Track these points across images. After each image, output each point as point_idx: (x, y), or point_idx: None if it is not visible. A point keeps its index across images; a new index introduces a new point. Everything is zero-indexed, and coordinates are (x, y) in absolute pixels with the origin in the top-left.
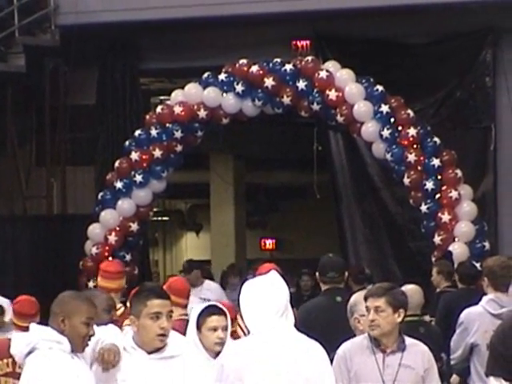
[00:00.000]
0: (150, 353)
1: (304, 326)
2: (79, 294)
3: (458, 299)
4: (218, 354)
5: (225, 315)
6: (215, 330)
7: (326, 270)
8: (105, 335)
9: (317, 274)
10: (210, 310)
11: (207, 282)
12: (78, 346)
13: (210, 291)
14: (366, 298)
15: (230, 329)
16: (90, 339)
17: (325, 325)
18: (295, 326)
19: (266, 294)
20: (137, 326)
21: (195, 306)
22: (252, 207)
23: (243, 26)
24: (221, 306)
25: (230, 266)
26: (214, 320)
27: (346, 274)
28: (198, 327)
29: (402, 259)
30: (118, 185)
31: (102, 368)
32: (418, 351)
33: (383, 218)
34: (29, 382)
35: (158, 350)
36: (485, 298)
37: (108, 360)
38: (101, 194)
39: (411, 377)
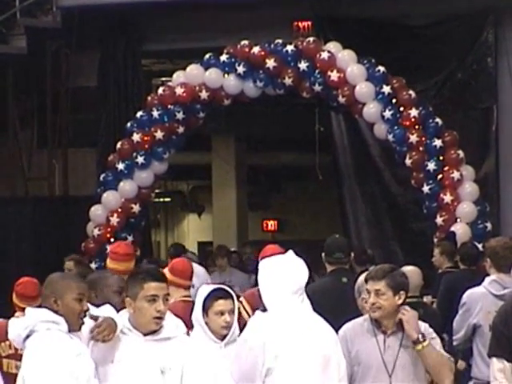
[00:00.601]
0: (145, 334)
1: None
2: (67, 273)
3: (459, 280)
4: (224, 336)
5: (231, 298)
6: (222, 313)
7: (332, 251)
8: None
9: (323, 254)
10: (217, 294)
11: (193, 266)
12: (75, 323)
13: (196, 276)
14: (366, 281)
15: (236, 311)
16: (84, 315)
17: (330, 306)
18: None
19: (288, 272)
20: (133, 309)
21: (201, 289)
22: (254, 189)
23: (245, 7)
24: (227, 288)
25: (218, 248)
26: (220, 304)
27: (352, 255)
28: (205, 310)
29: (403, 240)
30: (120, 166)
31: (97, 340)
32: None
33: (385, 198)
34: (31, 364)
35: (153, 331)
36: (487, 279)
37: (102, 331)
38: (102, 175)
39: (412, 356)
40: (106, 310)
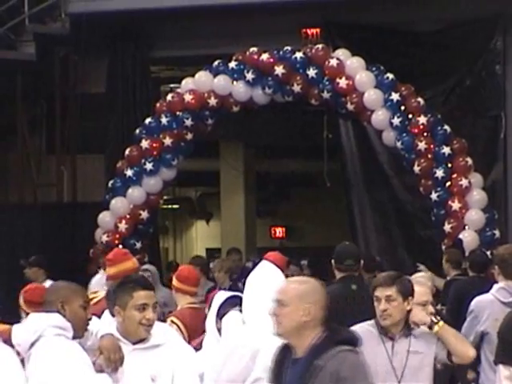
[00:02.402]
0: (134, 343)
1: None
2: (69, 282)
3: (468, 287)
4: None
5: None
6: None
7: (342, 258)
8: (99, 325)
9: (332, 261)
10: (232, 302)
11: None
12: (80, 330)
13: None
14: (374, 288)
15: None
16: (88, 323)
17: (340, 313)
18: None
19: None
20: (122, 317)
21: (217, 296)
22: (262, 195)
23: (253, 14)
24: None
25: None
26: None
27: (362, 262)
28: (219, 317)
29: (412, 247)
30: (129, 173)
31: (110, 369)
32: (423, 335)
33: (393, 206)
34: (42, 369)
35: (142, 340)
36: (495, 286)
37: (115, 359)
38: (111, 182)
39: (421, 362)
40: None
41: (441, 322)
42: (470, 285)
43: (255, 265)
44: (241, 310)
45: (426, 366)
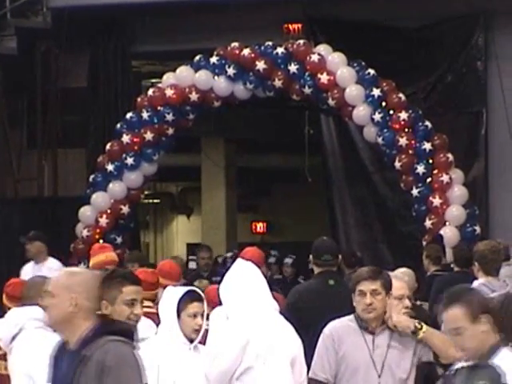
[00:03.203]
0: None
1: (295, 308)
2: (45, 277)
3: (452, 282)
4: (193, 340)
5: (203, 301)
6: (195, 316)
7: (320, 253)
8: None
9: (310, 256)
10: (191, 296)
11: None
12: None
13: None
14: (358, 282)
15: (205, 314)
16: None
17: (317, 308)
18: (286, 308)
19: (254, 279)
20: (109, 312)
21: (173, 290)
22: (243, 191)
23: (235, 9)
24: (199, 291)
25: None
26: (194, 306)
27: (340, 257)
28: (178, 312)
29: (392, 243)
30: (110, 167)
31: None
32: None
33: (374, 201)
34: (24, 361)
35: None
36: (475, 283)
37: None
38: (92, 176)
39: (400, 355)
40: None
41: (424, 327)
42: (454, 280)
43: (234, 255)
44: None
45: (406, 360)
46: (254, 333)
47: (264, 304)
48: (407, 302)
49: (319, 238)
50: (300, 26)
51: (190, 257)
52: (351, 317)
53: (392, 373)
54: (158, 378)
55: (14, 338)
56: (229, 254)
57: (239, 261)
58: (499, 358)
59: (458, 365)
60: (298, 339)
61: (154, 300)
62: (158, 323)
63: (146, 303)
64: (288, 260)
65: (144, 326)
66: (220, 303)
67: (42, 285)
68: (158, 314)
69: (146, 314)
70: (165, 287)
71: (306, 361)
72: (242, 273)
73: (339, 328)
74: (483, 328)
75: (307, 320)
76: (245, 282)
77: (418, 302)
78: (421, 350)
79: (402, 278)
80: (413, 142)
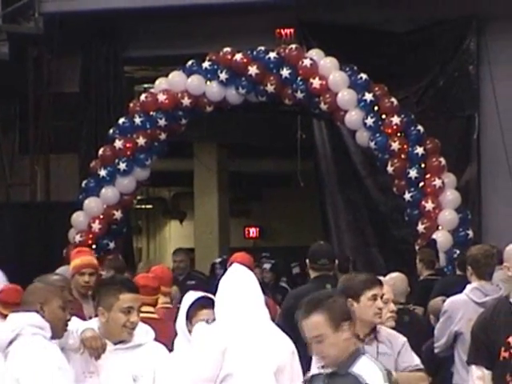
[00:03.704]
0: (115, 343)
1: (291, 313)
2: (48, 283)
3: (453, 285)
4: None
5: (213, 307)
6: (207, 322)
7: (317, 257)
8: (78, 324)
9: (307, 261)
10: (202, 303)
11: None
12: (59, 331)
13: None
14: (369, 287)
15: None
16: (67, 324)
17: None
18: (281, 313)
19: (245, 285)
20: (106, 318)
21: (187, 296)
22: (236, 195)
23: (227, 14)
24: (211, 297)
25: None
26: (204, 313)
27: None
28: (188, 319)
29: (385, 247)
30: (102, 173)
31: (94, 357)
32: (388, 337)
33: (367, 206)
34: (19, 367)
35: (123, 340)
36: (469, 287)
37: (96, 346)
38: (84, 181)
39: (387, 363)
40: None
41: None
42: (456, 283)
43: (223, 261)
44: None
45: (392, 368)
46: (235, 339)
47: (253, 310)
48: (392, 306)
49: (316, 243)
50: (292, 30)
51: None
52: None
53: None
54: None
55: (10, 343)
56: (218, 260)
57: (235, 266)
58: (358, 366)
59: (315, 371)
60: (290, 346)
61: (155, 305)
62: (158, 328)
63: (147, 308)
64: (267, 265)
65: (141, 332)
66: None
67: (42, 290)
68: (158, 320)
69: (147, 320)
70: None
71: (301, 367)
72: (236, 278)
73: None
74: (345, 335)
75: None
76: (237, 288)
77: (412, 307)
78: (402, 357)
79: (387, 282)
80: (405, 146)
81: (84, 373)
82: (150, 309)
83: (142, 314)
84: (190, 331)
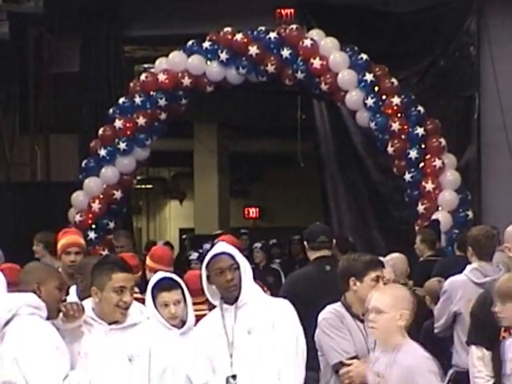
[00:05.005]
0: (110, 323)
1: (291, 295)
2: (44, 263)
3: (452, 266)
4: (175, 325)
5: (178, 288)
6: (166, 305)
7: (316, 235)
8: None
9: (305, 242)
10: (162, 285)
11: None
12: (54, 311)
13: None
14: (373, 268)
15: (188, 300)
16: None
17: (313, 294)
18: (282, 294)
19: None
20: (99, 298)
21: (153, 277)
22: (236, 176)
23: None
24: (174, 277)
25: None
26: (164, 296)
27: (334, 241)
28: (154, 301)
29: (385, 228)
30: (102, 152)
31: (67, 320)
32: None
33: (367, 186)
34: (16, 347)
35: (117, 320)
36: (468, 267)
37: (72, 309)
38: (84, 161)
39: None
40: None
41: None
42: (455, 264)
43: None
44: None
45: None
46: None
47: None
48: None
49: (312, 224)
50: (292, 10)
51: None
52: (339, 304)
53: None
54: (150, 363)
55: (6, 323)
56: (194, 256)
57: (222, 244)
58: None
59: None
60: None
61: (138, 284)
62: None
63: None
64: (257, 244)
65: (135, 311)
66: (202, 291)
67: (39, 270)
68: (142, 300)
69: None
70: (156, 272)
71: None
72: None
73: (337, 313)
74: None
75: (303, 306)
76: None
77: (412, 288)
78: None
79: (387, 262)
80: (405, 126)
81: (79, 353)
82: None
83: None
84: (160, 313)
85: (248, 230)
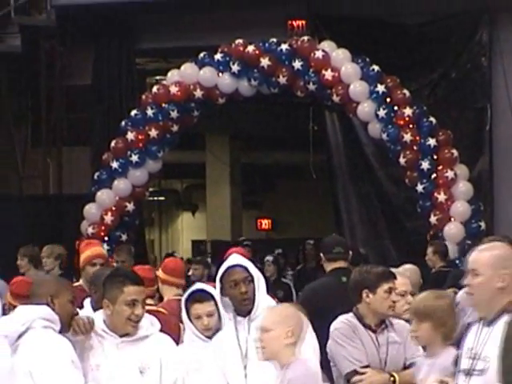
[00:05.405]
0: (121, 336)
1: (309, 305)
2: (56, 276)
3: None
4: (210, 336)
5: (211, 299)
6: (199, 317)
7: (332, 247)
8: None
9: (321, 254)
10: (194, 297)
11: None
12: (66, 324)
13: None
14: (387, 279)
15: (222, 309)
16: (74, 318)
17: (330, 305)
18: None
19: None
20: (111, 311)
21: (189, 289)
22: (248, 187)
23: (239, 5)
24: (207, 289)
25: None
26: (197, 308)
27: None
28: (188, 314)
29: (397, 239)
30: (114, 165)
31: (81, 331)
32: (396, 326)
33: (379, 198)
34: (30, 360)
35: (129, 333)
36: None
37: (83, 323)
38: (97, 173)
39: (398, 351)
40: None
41: (397, 377)
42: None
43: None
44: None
45: (402, 355)
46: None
47: None
48: (410, 298)
49: (329, 236)
50: (304, 22)
51: None
52: (351, 314)
53: (393, 368)
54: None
55: (19, 336)
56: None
57: (236, 256)
58: None
59: None
60: None
61: (154, 296)
62: (160, 321)
63: (176, 291)
64: (269, 258)
65: (147, 323)
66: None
67: (52, 283)
68: (159, 312)
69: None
70: (169, 284)
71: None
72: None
73: (349, 323)
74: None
75: (321, 317)
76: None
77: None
78: (408, 348)
79: (404, 274)
80: (417, 137)
81: (90, 365)
82: (149, 301)
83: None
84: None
85: (251, 242)
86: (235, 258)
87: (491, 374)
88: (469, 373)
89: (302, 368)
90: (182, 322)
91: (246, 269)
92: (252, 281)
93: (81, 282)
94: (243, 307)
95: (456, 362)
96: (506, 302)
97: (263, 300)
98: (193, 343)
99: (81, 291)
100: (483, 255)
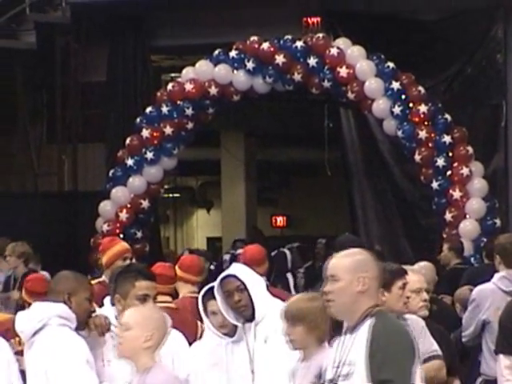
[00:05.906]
0: None
1: None
2: (76, 273)
3: (481, 274)
4: (227, 333)
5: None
6: (215, 313)
7: (345, 247)
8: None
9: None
10: (210, 294)
11: None
12: (83, 322)
13: None
14: (403, 275)
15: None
16: (90, 316)
17: None
18: None
19: None
20: (122, 306)
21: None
22: (263, 184)
23: (254, 2)
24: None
25: None
26: (212, 304)
27: None
28: (205, 310)
29: (412, 236)
30: (129, 162)
31: (97, 332)
32: (411, 322)
33: (394, 195)
34: (45, 357)
35: None
36: (497, 275)
37: (100, 323)
38: (112, 171)
39: None
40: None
41: None
42: (484, 272)
43: (233, 257)
44: None
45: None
46: None
47: None
48: (425, 295)
49: (342, 235)
50: (319, 19)
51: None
52: None
53: None
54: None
55: (35, 333)
56: (227, 257)
57: (233, 265)
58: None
59: None
60: None
61: (172, 294)
62: (174, 318)
63: (164, 298)
64: (289, 246)
65: None
66: None
67: (70, 280)
68: (175, 309)
69: (163, 309)
70: (184, 281)
71: None
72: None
73: None
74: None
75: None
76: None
77: (440, 296)
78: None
79: (419, 271)
80: (432, 134)
81: (102, 361)
82: (167, 298)
83: (158, 304)
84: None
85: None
86: (231, 268)
87: (357, 377)
88: (333, 380)
89: (162, 374)
90: (198, 319)
91: (237, 278)
92: (245, 288)
93: (104, 277)
94: (241, 315)
95: (320, 376)
96: (369, 306)
97: (264, 303)
98: (211, 339)
99: (105, 287)
100: (341, 261)
